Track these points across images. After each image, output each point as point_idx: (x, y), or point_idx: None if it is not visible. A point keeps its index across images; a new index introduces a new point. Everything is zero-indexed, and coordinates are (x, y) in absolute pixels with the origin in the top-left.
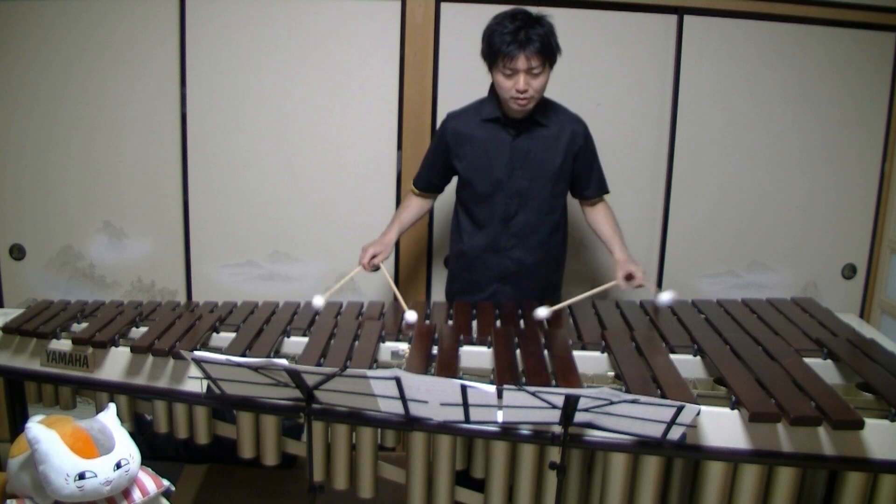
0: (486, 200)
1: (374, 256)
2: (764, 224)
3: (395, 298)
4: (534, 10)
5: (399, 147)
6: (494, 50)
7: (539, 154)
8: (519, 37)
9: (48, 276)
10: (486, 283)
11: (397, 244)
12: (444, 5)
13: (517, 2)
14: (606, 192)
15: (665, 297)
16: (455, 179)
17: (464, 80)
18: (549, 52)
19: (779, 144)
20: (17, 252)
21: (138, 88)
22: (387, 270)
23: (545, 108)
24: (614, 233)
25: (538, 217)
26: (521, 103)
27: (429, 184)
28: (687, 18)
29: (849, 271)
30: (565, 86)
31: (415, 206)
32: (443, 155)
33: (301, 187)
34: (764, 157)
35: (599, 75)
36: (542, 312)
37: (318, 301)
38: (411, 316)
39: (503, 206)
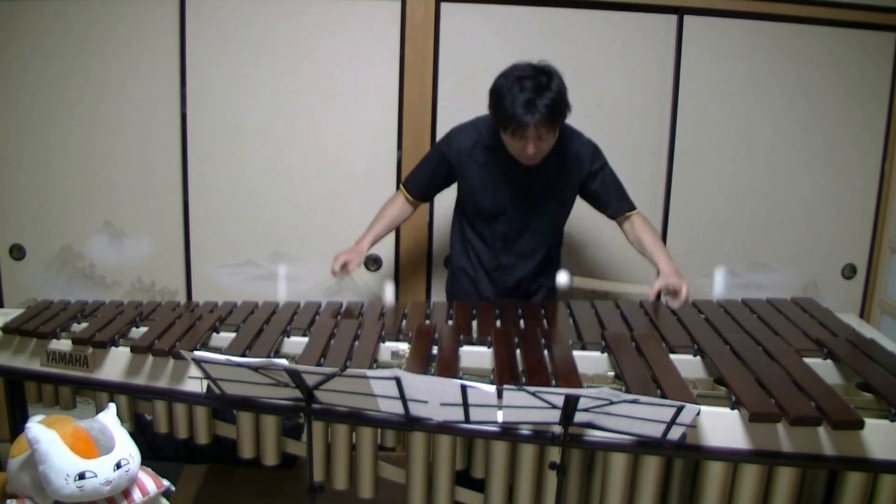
0: (490, 221)
1: (345, 264)
2: (764, 224)
3: (396, 297)
4: (540, 62)
5: (399, 147)
6: (505, 119)
7: (544, 183)
8: (529, 108)
9: (48, 276)
10: (489, 294)
11: (397, 245)
12: (444, 5)
13: (519, 2)
14: (632, 208)
15: (719, 279)
16: (456, 189)
17: (464, 80)
18: (558, 118)
19: (779, 144)
20: (17, 252)
21: (138, 88)
22: (355, 277)
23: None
24: (656, 246)
25: (541, 239)
26: (529, 162)
27: (425, 193)
28: (687, 18)
29: (849, 271)
30: (566, 86)
31: (397, 213)
32: (445, 171)
33: (301, 187)
34: (764, 157)
35: (599, 75)
36: (563, 279)
37: (281, 290)
38: (389, 290)
39: (506, 229)
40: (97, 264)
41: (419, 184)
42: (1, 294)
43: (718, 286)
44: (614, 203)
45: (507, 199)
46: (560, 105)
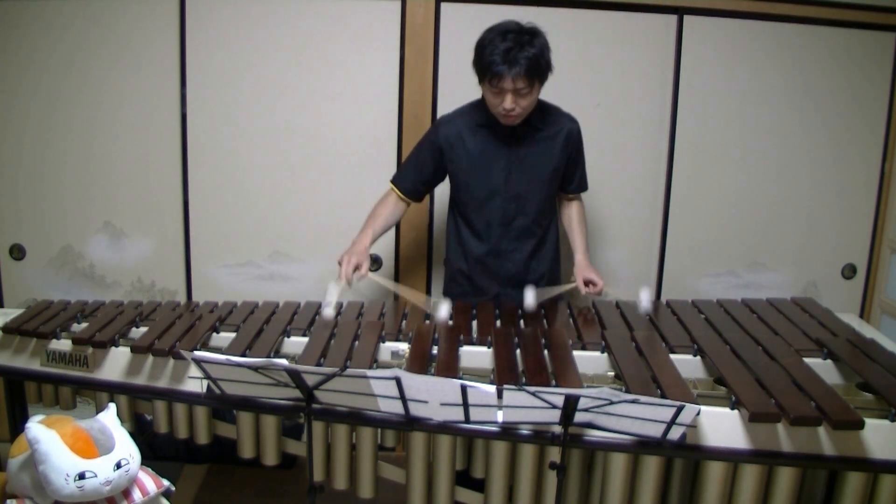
0: (484, 206)
1: (356, 268)
2: (764, 224)
3: (396, 297)
4: (528, 23)
5: (399, 147)
6: (483, 67)
7: (535, 158)
8: (508, 57)
9: (48, 276)
10: (489, 287)
11: (397, 245)
12: (444, 5)
13: (519, 1)
14: (586, 189)
15: (644, 297)
16: (449, 185)
17: (464, 80)
18: (537, 73)
19: (779, 144)
20: (17, 252)
21: (138, 88)
22: (377, 276)
23: (539, 111)
24: (581, 235)
25: (536, 218)
26: (508, 120)
27: (414, 189)
28: (687, 18)
29: (849, 271)
30: (566, 86)
31: (390, 211)
32: (434, 161)
33: (301, 187)
34: (764, 157)
35: (599, 75)
36: (530, 299)
37: (329, 312)
38: (444, 310)
39: (501, 211)
40: (97, 264)
41: (407, 178)
42: (1, 294)
43: (644, 303)
44: (577, 180)
45: (498, 179)
46: (540, 62)
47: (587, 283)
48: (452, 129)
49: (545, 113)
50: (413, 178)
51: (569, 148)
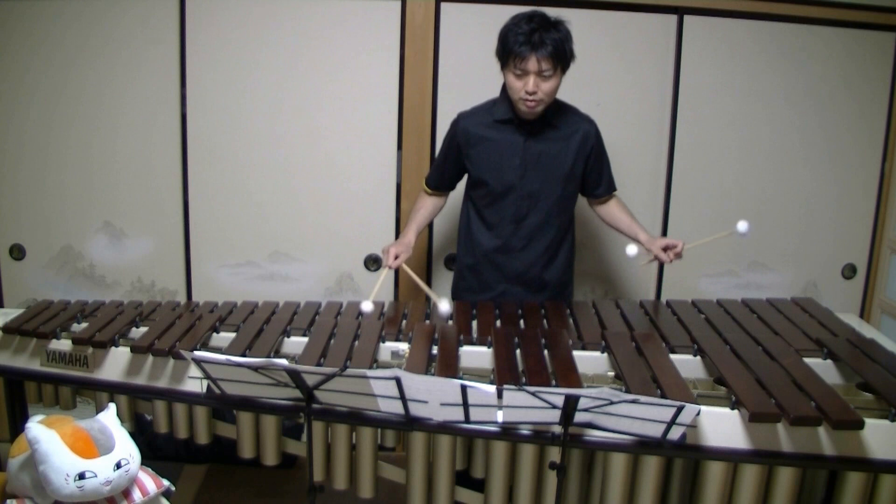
0: (497, 201)
1: (397, 256)
2: (764, 224)
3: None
4: (552, 14)
5: (399, 147)
6: (507, 49)
7: (551, 156)
8: (533, 38)
9: (48, 276)
10: (495, 283)
11: None
12: (444, 5)
13: (519, 2)
14: (615, 189)
15: (742, 226)
16: (466, 177)
17: (464, 80)
18: (561, 57)
19: (779, 144)
20: (17, 252)
21: (138, 88)
22: (407, 268)
23: (557, 110)
24: (631, 219)
25: (549, 218)
26: (530, 105)
27: (440, 182)
28: (687, 18)
29: (849, 271)
30: (566, 85)
31: (429, 204)
32: (454, 155)
33: (301, 187)
34: (764, 157)
35: (599, 75)
36: (632, 250)
37: (368, 306)
38: (444, 306)
39: (514, 208)
40: (97, 264)
41: (433, 174)
42: (1, 294)
43: (743, 228)
44: (605, 183)
45: (513, 176)
46: (564, 45)
47: (665, 249)
48: (470, 124)
49: (563, 112)
50: (438, 173)
51: (586, 149)
